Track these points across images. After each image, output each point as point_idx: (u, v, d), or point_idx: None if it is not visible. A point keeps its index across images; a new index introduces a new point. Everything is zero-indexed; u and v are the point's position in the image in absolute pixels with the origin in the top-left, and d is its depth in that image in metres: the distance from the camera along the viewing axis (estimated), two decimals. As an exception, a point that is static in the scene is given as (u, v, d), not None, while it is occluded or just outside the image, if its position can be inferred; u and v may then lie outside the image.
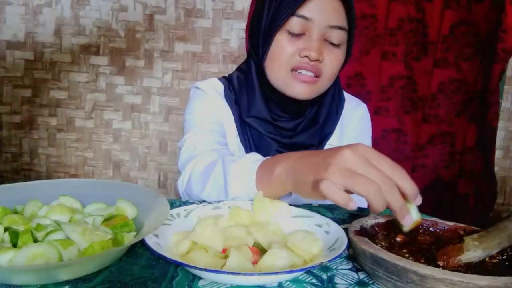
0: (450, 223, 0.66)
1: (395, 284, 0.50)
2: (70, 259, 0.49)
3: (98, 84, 2.18)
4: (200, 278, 0.53)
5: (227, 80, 1.05)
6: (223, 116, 1.02)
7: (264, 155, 0.92)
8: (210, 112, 1.01)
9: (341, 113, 1.05)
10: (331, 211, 0.82)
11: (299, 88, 0.91)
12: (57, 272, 0.48)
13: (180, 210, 0.68)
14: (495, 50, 1.84)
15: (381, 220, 0.64)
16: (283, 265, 0.53)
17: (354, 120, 1.08)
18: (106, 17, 2.14)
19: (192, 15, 2.11)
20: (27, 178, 2.19)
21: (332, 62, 0.91)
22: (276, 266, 0.53)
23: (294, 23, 0.89)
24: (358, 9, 1.91)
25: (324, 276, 0.56)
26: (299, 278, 0.55)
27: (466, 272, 0.52)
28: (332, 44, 0.91)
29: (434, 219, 0.70)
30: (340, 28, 0.90)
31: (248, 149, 0.99)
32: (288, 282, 0.53)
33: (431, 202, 2.07)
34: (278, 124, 0.98)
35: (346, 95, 1.11)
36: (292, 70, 0.91)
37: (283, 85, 0.93)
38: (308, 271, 0.57)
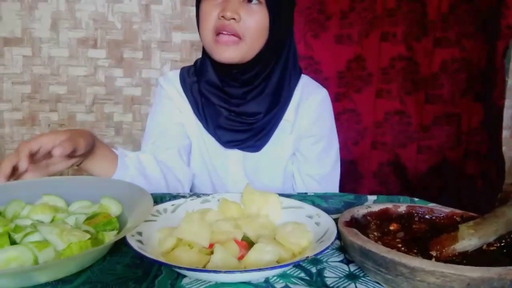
0: (447, 210, 0.63)
1: (384, 277, 0.48)
2: (46, 262, 0.48)
3: (97, 77, 2.15)
4: (184, 276, 0.52)
5: (194, 65, 1.09)
6: (180, 107, 1.06)
7: (216, 125, 1.02)
8: (166, 116, 1.06)
9: (294, 88, 1.05)
10: (325, 200, 0.80)
11: (223, 52, 0.92)
12: (34, 275, 0.47)
13: (167, 205, 0.66)
14: (498, 26, 1.79)
15: (374, 209, 0.62)
16: (269, 260, 0.51)
17: (313, 102, 1.06)
18: (102, 9, 2.10)
19: (188, 3, 2.06)
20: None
21: (251, 20, 0.91)
22: (262, 261, 0.51)
23: None
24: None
25: (313, 270, 0.54)
26: (287, 272, 0.53)
27: (460, 262, 0.50)
28: (250, 2, 0.91)
29: (431, 205, 0.68)
30: None
31: (204, 122, 1.03)
32: (275, 277, 0.52)
33: (438, 184, 2.04)
34: (226, 89, 1.00)
35: (307, 77, 1.11)
36: (216, 33, 0.92)
37: (210, 49, 0.95)
38: (297, 265, 0.55)
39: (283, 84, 1.03)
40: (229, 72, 0.98)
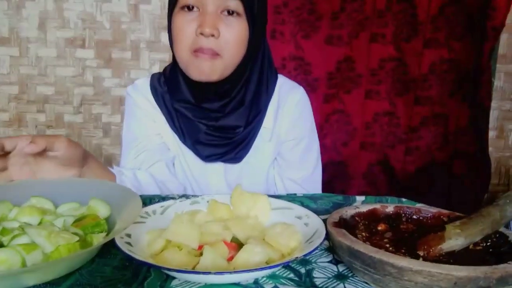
0: (434, 210, 0.64)
1: (372, 277, 0.48)
2: (34, 264, 0.47)
3: (85, 78, 2.14)
4: (174, 278, 0.52)
5: (163, 73, 1.04)
6: (154, 117, 1.01)
7: (194, 140, 0.97)
8: (142, 128, 1.02)
9: (272, 92, 1.02)
10: (314, 201, 0.81)
11: (200, 71, 0.88)
12: (22, 278, 0.47)
13: (156, 206, 0.66)
14: (485, 28, 1.81)
15: (362, 209, 0.62)
16: (258, 261, 0.52)
17: (291, 105, 1.04)
18: (90, 9, 2.09)
19: (178, 3, 2.07)
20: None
21: (230, 34, 0.87)
22: (252, 262, 0.52)
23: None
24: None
25: (303, 270, 0.54)
26: (276, 273, 0.53)
27: (447, 261, 0.51)
28: (231, 15, 0.87)
29: (418, 205, 0.69)
30: None
31: (181, 135, 0.99)
32: (264, 278, 0.52)
33: (426, 184, 2.05)
34: (203, 105, 0.97)
35: (283, 77, 1.08)
36: (194, 51, 0.88)
37: (186, 68, 0.91)
38: (286, 265, 0.55)
39: (261, 90, 1.00)
40: (205, 88, 0.94)
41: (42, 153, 0.72)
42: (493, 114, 2.07)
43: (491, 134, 2.08)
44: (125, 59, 2.13)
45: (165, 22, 2.04)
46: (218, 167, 1.02)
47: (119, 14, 2.10)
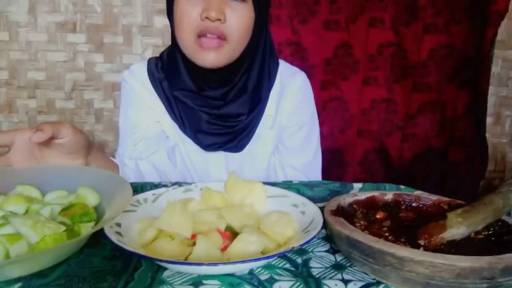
0: (434, 197, 0.62)
1: (372, 267, 0.46)
2: (18, 255, 0.45)
3: (77, 63, 2.09)
4: (165, 268, 0.50)
5: (159, 57, 1.01)
6: (152, 104, 0.98)
7: (196, 129, 0.94)
8: (140, 115, 0.99)
9: (274, 80, 1.01)
10: (310, 188, 0.79)
11: (206, 56, 0.86)
12: (6, 270, 0.44)
13: (148, 194, 0.64)
14: (487, 13, 1.77)
15: (360, 197, 0.61)
16: (253, 250, 0.50)
17: (293, 90, 1.02)
18: (82, -8, 2.05)
19: (171, -13, 2.02)
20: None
21: (237, 20, 0.85)
22: (247, 252, 0.50)
23: None
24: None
25: (299, 260, 0.52)
26: (272, 263, 0.51)
27: (449, 250, 0.49)
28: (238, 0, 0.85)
29: (417, 193, 0.67)
30: None
31: (181, 125, 0.96)
32: (259, 269, 0.50)
33: (422, 171, 2.04)
34: (205, 93, 0.94)
35: (284, 63, 1.06)
36: (198, 36, 0.85)
37: (191, 53, 0.88)
38: (282, 255, 0.53)
39: (263, 77, 0.97)
40: (207, 74, 0.92)
41: (47, 143, 0.69)
42: (490, 100, 2.05)
43: (488, 120, 2.07)
44: (117, 43, 2.09)
45: (157, 6, 2.02)
46: (218, 156, 1.00)
47: (111, -2, 2.05)
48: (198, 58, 0.87)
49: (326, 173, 1.10)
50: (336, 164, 2.00)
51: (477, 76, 1.89)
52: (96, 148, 0.81)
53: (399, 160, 2.02)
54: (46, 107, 2.14)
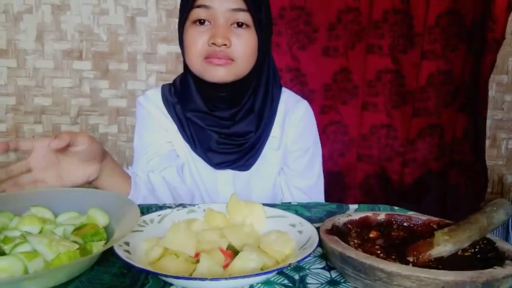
0: (424, 217, 0.66)
1: (363, 282, 0.50)
2: (36, 271, 0.49)
3: (82, 89, 2.15)
4: (171, 284, 0.53)
5: (172, 84, 1.08)
6: (166, 126, 1.05)
7: (206, 147, 1.01)
8: (154, 136, 1.05)
9: (277, 105, 1.07)
10: (308, 209, 0.82)
11: (215, 72, 0.92)
12: (24, 285, 0.48)
13: (154, 215, 0.68)
14: (484, 39, 1.82)
15: (354, 217, 0.64)
16: (253, 267, 0.53)
17: (296, 118, 1.08)
18: (88, 21, 2.11)
19: (174, 15, 2.08)
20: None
21: (242, 44, 0.92)
22: (247, 269, 0.53)
23: (197, 14, 0.92)
24: (343, 2, 1.90)
25: (296, 276, 0.56)
26: (271, 279, 0.55)
27: (436, 267, 0.52)
28: (240, 27, 0.92)
29: (409, 213, 0.70)
30: (242, 10, 0.91)
31: (192, 144, 1.02)
32: (259, 284, 0.53)
33: (422, 194, 2.06)
34: (215, 114, 1.01)
35: (287, 91, 1.13)
36: (206, 58, 0.92)
37: (201, 71, 0.95)
38: (280, 272, 0.57)
39: (267, 100, 1.04)
40: (217, 95, 0.99)
41: (64, 150, 0.75)
42: (486, 124, 2.09)
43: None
44: (122, 70, 2.15)
45: (161, 34, 2.10)
46: (227, 175, 1.05)
47: (116, 27, 2.12)
48: (207, 74, 0.94)
49: (328, 195, 1.14)
50: (337, 187, 2.02)
51: (476, 101, 1.92)
52: (110, 157, 0.87)
53: (399, 184, 2.04)
54: (52, 132, 2.18)
